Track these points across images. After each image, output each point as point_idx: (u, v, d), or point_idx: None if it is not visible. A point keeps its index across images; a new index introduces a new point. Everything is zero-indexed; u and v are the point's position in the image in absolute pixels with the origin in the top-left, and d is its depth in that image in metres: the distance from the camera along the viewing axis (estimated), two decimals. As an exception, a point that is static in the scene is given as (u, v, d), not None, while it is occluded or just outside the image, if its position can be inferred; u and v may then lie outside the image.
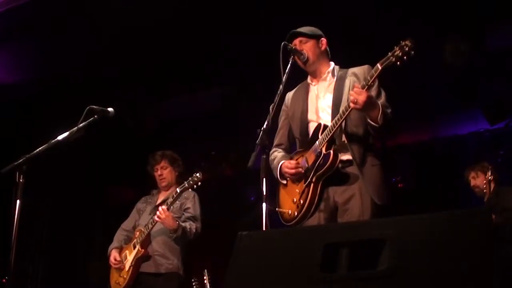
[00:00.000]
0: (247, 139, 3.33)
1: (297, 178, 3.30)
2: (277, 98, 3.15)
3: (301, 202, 3.23)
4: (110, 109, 3.41)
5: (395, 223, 1.92)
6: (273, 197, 3.45)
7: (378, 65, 2.96)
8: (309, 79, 3.52)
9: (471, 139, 7.55)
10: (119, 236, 4.84)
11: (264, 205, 2.78)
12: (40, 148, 3.19)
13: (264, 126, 2.97)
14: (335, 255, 1.89)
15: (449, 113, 7.32)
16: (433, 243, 1.78)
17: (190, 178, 4.37)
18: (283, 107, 3.60)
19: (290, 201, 3.33)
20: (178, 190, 4.38)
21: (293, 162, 3.30)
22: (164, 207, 4.35)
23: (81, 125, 3.27)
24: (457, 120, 7.54)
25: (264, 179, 2.84)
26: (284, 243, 2.10)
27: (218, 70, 6.44)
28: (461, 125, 7.57)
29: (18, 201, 3.03)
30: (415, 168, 7.81)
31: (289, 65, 3.20)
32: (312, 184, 3.20)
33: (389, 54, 2.91)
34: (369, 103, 2.99)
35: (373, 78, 2.98)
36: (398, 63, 2.88)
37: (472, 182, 5.45)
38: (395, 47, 2.90)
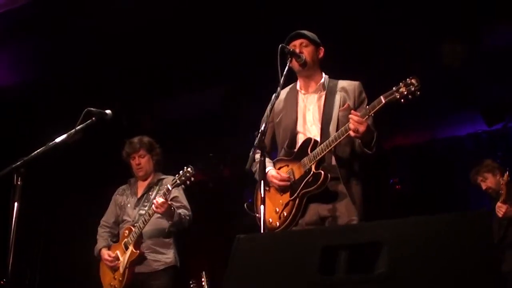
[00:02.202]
0: (245, 141, 3.33)
1: (283, 190, 3.30)
2: (274, 100, 3.15)
3: (285, 214, 3.24)
4: (107, 111, 3.41)
5: (393, 226, 1.93)
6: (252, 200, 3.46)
7: (382, 98, 2.96)
8: (298, 86, 3.51)
9: (468, 140, 7.55)
10: (102, 234, 4.66)
11: (262, 207, 2.78)
12: (38, 151, 3.19)
13: (262, 128, 2.97)
14: (333, 258, 1.89)
15: (447, 115, 7.32)
16: (431, 245, 1.78)
17: (181, 173, 4.13)
18: (269, 109, 3.55)
19: (271, 210, 3.32)
20: (169, 187, 4.17)
21: (283, 175, 3.30)
22: (161, 199, 4.14)
23: (79, 127, 3.27)
24: (455, 122, 7.55)
25: (262, 181, 2.83)
26: (282, 245, 2.10)
27: (217, 71, 6.43)
28: (459, 126, 7.57)
29: (16, 204, 3.03)
30: (413, 170, 7.82)
31: (286, 67, 3.19)
32: (297, 199, 3.21)
33: (394, 89, 2.91)
34: (368, 131, 3.02)
35: (375, 110, 2.99)
36: (402, 100, 2.88)
37: (483, 186, 5.31)
38: (400, 83, 2.90)
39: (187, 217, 4.42)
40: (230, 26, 5.60)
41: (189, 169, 4.11)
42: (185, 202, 4.52)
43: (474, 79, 6.37)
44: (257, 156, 3.41)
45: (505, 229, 4.91)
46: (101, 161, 7.48)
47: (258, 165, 3.38)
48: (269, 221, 3.30)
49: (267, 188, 3.37)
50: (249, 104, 6.51)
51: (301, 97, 3.47)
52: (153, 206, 4.19)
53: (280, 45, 3.20)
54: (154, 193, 4.47)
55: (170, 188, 4.17)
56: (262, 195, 2.81)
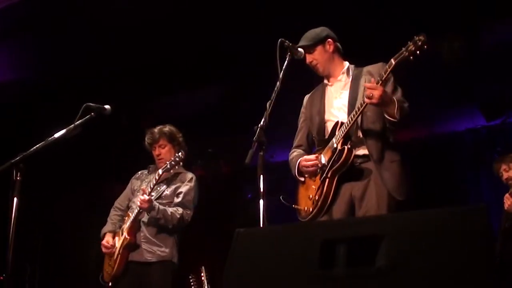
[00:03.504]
0: (244, 136, 3.34)
1: (314, 174, 3.32)
2: (274, 95, 3.15)
3: (316, 197, 3.25)
4: (106, 106, 3.42)
5: (393, 220, 1.93)
6: (291, 195, 3.50)
7: (392, 60, 3.00)
8: (325, 80, 3.55)
9: (467, 135, 7.56)
10: (113, 217, 4.52)
11: (261, 202, 2.78)
12: (37, 146, 3.20)
13: (261, 123, 2.97)
14: (333, 251, 1.90)
15: (446, 110, 7.33)
16: (430, 239, 1.78)
17: (172, 159, 4.16)
18: (302, 109, 3.64)
19: (306, 198, 3.35)
20: (160, 171, 4.14)
21: (310, 157, 3.34)
22: (146, 196, 4.07)
23: (78, 122, 3.28)
24: (453, 117, 7.55)
25: (261, 176, 2.84)
26: (282, 239, 2.10)
27: (216, 69, 6.44)
28: (457, 121, 7.58)
29: (15, 199, 3.04)
30: (411, 165, 7.81)
31: (285, 62, 3.20)
32: (327, 180, 3.22)
33: (403, 49, 2.95)
34: (385, 97, 3.01)
35: (387, 73, 3.01)
36: (411, 57, 2.92)
37: (505, 175, 5.17)
38: (409, 42, 2.94)
39: (177, 216, 4.21)
40: (230, 25, 5.61)
41: (179, 154, 4.19)
42: (186, 199, 4.35)
43: (473, 75, 6.37)
44: (294, 153, 3.55)
45: (511, 221, 4.90)
46: (99, 156, 7.50)
47: (291, 160, 3.50)
48: (304, 209, 3.33)
49: (302, 180, 3.43)
50: (249, 101, 6.52)
51: (328, 89, 3.52)
52: (137, 202, 4.14)
53: (279, 40, 3.20)
54: (164, 186, 4.37)
55: (161, 173, 4.17)
56: (261, 190, 2.82)
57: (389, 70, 3.00)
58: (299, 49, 3.33)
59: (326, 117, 3.42)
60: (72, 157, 7.01)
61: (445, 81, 6.39)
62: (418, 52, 2.90)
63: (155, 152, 4.50)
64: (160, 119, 7.47)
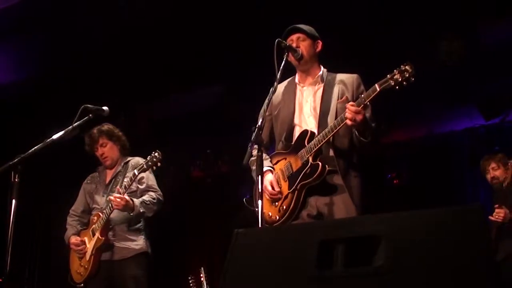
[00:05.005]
0: (243, 137, 3.33)
1: (280, 181, 3.30)
2: (271, 95, 3.15)
3: (284, 207, 3.24)
4: (104, 108, 3.42)
5: (390, 220, 1.93)
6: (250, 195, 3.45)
7: (376, 86, 2.95)
8: (297, 79, 3.51)
9: (466, 135, 7.56)
10: (71, 222, 4.57)
11: (259, 202, 2.78)
12: (35, 147, 3.19)
13: (259, 123, 2.96)
14: (331, 252, 1.90)
15: (444, 109, 7.33)
16: (428, 239, 1.79)
17: (148, 158, 4.06)
18: (266, 100, 3.41)
19: (271, 204, 3.32)
20: (136, 172, 4.08)
21: (274, 185, 3.28)
22: (119, 195, 4.05)
23: (76, 124, 3.28)
24: (452, 116, 7.56)
25: (259, 176, 2.84)
26: (280, 240, 2.10)
27: (213, 69, 6.44)
28: (456, 121, 7.58)
29: (13, 201, 3.03)
30: (410, 165, 7.83)
31: (283, 62, 3.19)
32: (296, 191, 3.20)
33: (388, 76, 2.90)
34: (365, 121, 3.02)
35: (370, 98, 2.98)
36: (397, 87, 2.88)
37: (492, 173, 5.20)
38: (395, 70, 2.89)
39: (154, 200, 4.27)
40: (230, 26, 5.61)
41: (156, 154, 4.06)
42: (151, 182, 4.39)
43: (471, 74, 6.37)
44: (254, 152, 3.41)
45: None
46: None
47: (252, 161, 3.41)
48: (268, 214, 3.30)
49: None
50: (244, 102, 6.52)
51: (299, 89, 3.47)
52: (111, 203, 4.11)
53: (277, 40, 3.20)
54: (121, 177, 4.36)
55: (137, 173, 4.10)
56: (260, 190, 2.81)
57: (372, 96, 2.96)
58: (297, 48, 3.33)
59: (295, 121, 3.39)
60: (70, 158, 6.99)
61: (443, 81, 6.39)
62: (404, 83, 2.86)
63: (98, 153, 4.51)
64: (158, 120, 7.51)
